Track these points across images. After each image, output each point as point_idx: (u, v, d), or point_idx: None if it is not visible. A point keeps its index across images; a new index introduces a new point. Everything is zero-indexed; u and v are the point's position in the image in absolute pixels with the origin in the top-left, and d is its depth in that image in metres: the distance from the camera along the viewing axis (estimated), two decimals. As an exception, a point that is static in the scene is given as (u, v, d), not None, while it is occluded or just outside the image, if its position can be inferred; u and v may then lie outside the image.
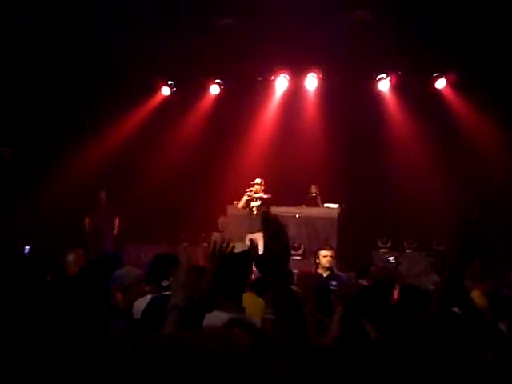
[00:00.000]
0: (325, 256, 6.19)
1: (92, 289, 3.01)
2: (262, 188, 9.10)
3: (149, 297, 3.57)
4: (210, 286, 2.50)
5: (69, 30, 9.56)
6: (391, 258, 7.02)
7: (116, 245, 10.30)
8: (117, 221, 10.43)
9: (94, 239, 10.18)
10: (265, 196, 9.06)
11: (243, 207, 9.21)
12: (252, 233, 8.04)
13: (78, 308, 1.61)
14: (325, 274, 6.16)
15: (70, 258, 5.10)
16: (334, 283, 5.78)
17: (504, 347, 2.76)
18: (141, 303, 3.54)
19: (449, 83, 10.31)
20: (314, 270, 6.49)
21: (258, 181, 9.13)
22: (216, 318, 2.54)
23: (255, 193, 9.09)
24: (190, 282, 2.11)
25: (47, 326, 1.52)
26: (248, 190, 9.09)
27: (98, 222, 10.36)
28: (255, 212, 8.97)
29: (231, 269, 2.81)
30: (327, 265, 6.16)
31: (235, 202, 10.11)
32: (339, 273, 6.61)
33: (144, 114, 11.40)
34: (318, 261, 6.25)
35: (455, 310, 3.44)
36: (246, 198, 9.15)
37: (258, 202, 9.03)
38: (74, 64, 10.11)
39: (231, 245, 2.69)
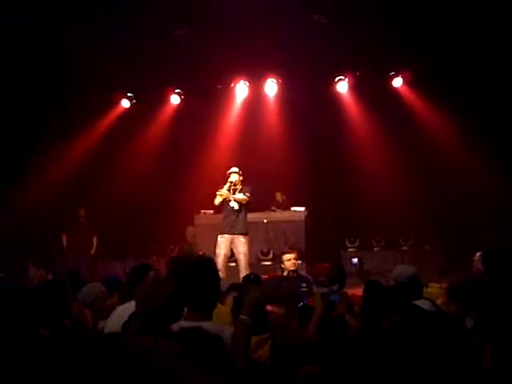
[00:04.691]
0: (288, 259, 6.14)
1: (49, 304, 2.97)
2: (241, 179, 7.69)
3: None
4: (168, 295, 2.46)
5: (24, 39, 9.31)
6: (354, 260, 7.12)
7: (92, 264, 10.10)
8: (95, 240, 10.22)
9: (70, 256, 9.94)
10: (247, 194, 7.60)
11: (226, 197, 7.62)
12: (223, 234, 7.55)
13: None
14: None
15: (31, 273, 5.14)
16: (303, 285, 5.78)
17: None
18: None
19: (405, 81, 10.49)
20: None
21: (234, 169, 7.70)
22: (176, 327, 2.48)
23: (234, 185, 7.64)
24: (150, 294, 2.23)
25: None
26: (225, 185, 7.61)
27: (75, 239, 10.14)
28: (235, 212, 7.57)
29: (192, 275, 2.75)
30: (292, 268, 6.09)
31: (202, 211, 10.04)
32: (302, 274, 6.49)
33: (104, 128, 11.24)
34: (282, 265, 6.19)
35: (419, 302, 3.48)
36: (222, 192, 7.55)
37: (237, 198, 7.57)
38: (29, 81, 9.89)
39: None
